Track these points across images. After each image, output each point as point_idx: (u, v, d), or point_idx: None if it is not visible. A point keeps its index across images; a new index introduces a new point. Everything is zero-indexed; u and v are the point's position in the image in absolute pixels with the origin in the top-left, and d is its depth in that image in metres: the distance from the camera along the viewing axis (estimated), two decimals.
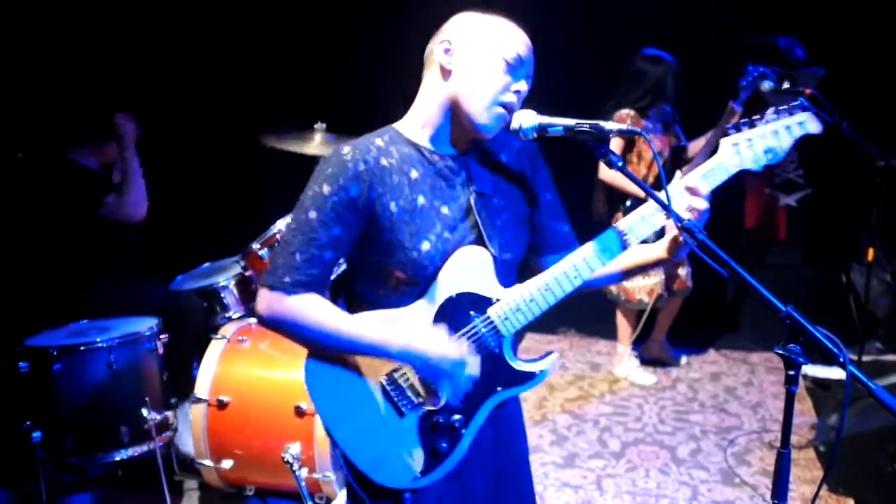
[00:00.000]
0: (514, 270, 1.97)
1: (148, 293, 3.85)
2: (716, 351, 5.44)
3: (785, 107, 1.82)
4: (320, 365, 1.86)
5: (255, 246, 3.64)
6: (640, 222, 1.84)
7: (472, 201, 1.88)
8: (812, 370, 4.75)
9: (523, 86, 1.84)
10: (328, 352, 1.84)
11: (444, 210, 1.85)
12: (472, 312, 1.85)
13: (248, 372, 3.25)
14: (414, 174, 1.84)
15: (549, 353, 1.94)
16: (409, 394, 1.85)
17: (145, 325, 3.35)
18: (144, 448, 3.24)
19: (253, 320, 3.60)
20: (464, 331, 1.85)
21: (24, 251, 3.70)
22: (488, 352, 1.87)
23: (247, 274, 3.77)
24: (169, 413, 3.37)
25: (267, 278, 1.80)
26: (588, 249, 1.85)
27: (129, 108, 3.78)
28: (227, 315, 3.79)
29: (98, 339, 3.18)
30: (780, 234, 6.07)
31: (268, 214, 3.73)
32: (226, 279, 3.84)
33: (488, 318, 1.86)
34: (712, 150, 4.44)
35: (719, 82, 4.60)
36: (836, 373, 4.58)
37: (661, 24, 5.27)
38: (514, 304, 1.85)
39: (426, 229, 1.81)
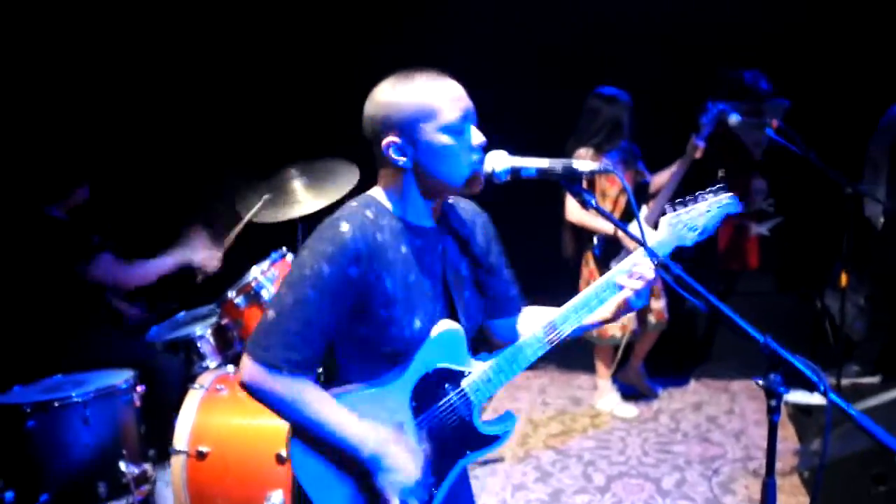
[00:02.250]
0: (472, 338, 2.02)
1: (123, 345, 3.80)
2: (696, 380, 5.45)
3: (712, 189, 2.06)
4: (306, 448, 1.86)
5: (231, 294, 3.62)
6: (593, 296, 1.94)
7: (448, 276, 1.93)
8: (793, 396, 4.75)
9: (479, 136, 1.83)
10: (305, 434, 1.84)
11: (428, 286, 1.88)
12: (447, 385, 1.91)
13: (226, 421, 3.21)
14: (404, 249, 1.85)
15: (507, 413, 2.02)
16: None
17: (121, 377, 3.31)
18: (123, 503, 3.18)
19: (231, 368, 3.57)
20: (438, 405, 1.91)
21: None
22: (460, 420, 1.93)
23: (223, 322, 3.75)
24: (147, 466, 3.32)
25: (257, 351, 1.78)
26: (549, 319, 1.95)
27: (97, 162, 3.79)
28: (203, 364, 3.75)
29: (73, 394, 3.14)
30: (753, 263, 6.12)
31: (243, 261, 3.72)
32: (202, 328, 3.81)
33: (462, 390, 1.92)
34: (676, 187, 4.52)
35: (685, 115, 4.66)
36: (817, 398, 4.57)
37: (628, 57, 5.35)
38: (485, 375, 1.93)
39: (416, 307, 1.84)
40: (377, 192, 1.90)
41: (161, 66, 5.57)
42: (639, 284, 1.89)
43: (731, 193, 2.06)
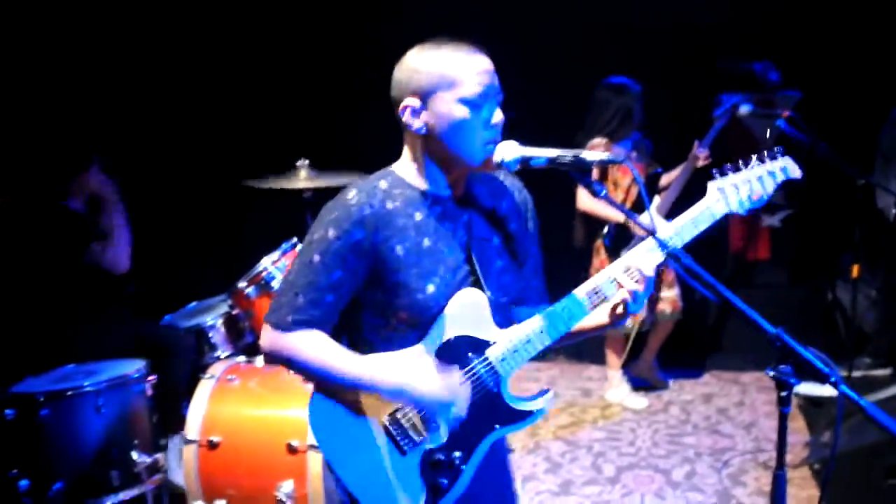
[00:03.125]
0: (509, 312, 2.00)
1: (135, 335, 3.82)
2: (707, 372, 5.44)
3: (768, 153, 1.91)
4: (323, 405, 1.91)
5: (242, 284, 3.63)
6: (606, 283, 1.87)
7: (471, 244, 1.91)
8: (803, 388, 4.74)
9: (499, 115, 1.83)
10: (326, 385, 1.89)
11: (447, 252, 1.87)
12: (470, 354, 1.89)
13: (238, 411, 3.22)
14: (418, 216, 1.85)
15: (545, 391, 1.97)
16: (411, 433, 1.89)
17: (133, 367, 3.32)
18: (135, 492, 3.21)
19: (241, 358, 3.59)
20: (464, 371, 1.88)
21: (8, 295, 3.67)
22: (487, 391, 1.90)
23: (234, 313, 3.76)
24: (159, 455, 3.34)
25: (270, 316, 1.87)
26: (580, 290, 1.90)
27: (108, 148, 3.79)
28: (215, 354, 3.77)
29: (86, 384, 3.15)
30: (765, 255, 6.10)
31: (254, 252, 3.73)
32: (213, 318, 3.82)
33: (486, 359, 1.89)
34: (681, 189, 4.52)
35: (696, 108, 4.65)
36: (828, 389, 4.56)
37: (637, 50, 5.33)
38: (512, 345, 1.89)
39: (431, 272, 1.84)
40: (397, 165, 1.92)
41: (171, 57, 5.57)
42: (636, 286, 1.81)
43: (788, 158, 1.94)
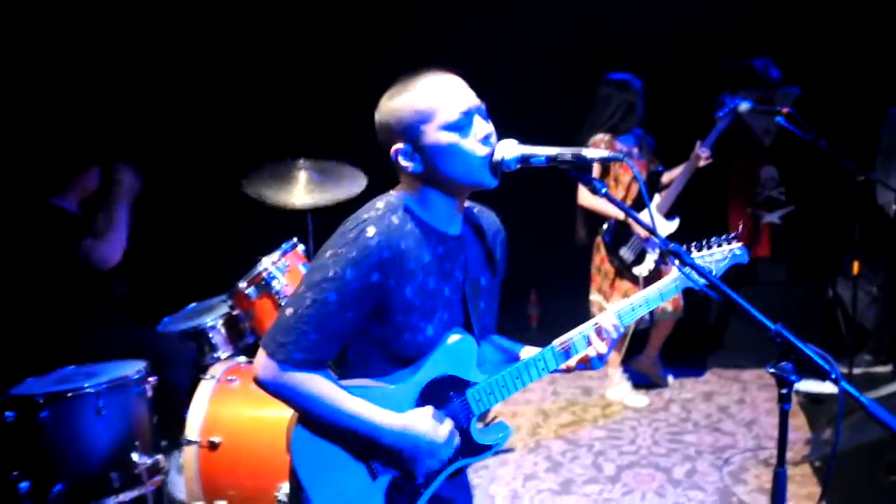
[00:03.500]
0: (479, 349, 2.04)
1: (135, 336, 3.82)
2: (707, 370, 5.44)
3: (727, 237, 2.15)
4: (310, 436, 1.88)
5: (242, 285, 3.62)
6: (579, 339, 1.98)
7: (466, 285, 1.95)
8: (804, 385, 4.74)
9: (488, 127, 1.84)
10: (322, 427, 1.86)
11: (446, 293, 1.91)
12: (451, 393, 1.94)
13: (238, 411, 3.22)
14: (426, 258, 1.85)
15: (501, 424, 2.07)
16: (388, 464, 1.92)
17: (133, 368, 3.31)
18: (135, 493, 3.19)
19: (242, 359, 3.58)
20: (441, 411, 1.92)
21: (4, 296, 3.66)
22: (458, 427, 1.95)
23: (234, 313, 3.75)
24: (160, 457, 3.33)
25: (271, 347, 1.80)
26: (556, 343, 1.99)
27: (108, 149, 3.79)
28: (215, 355, 3.76)
29: (86, 385, 3.14)
30: (765, 252, 6.10)
31: (254, 252, 3.72)
32: (213, 319, 3.81)
33: (465, 399, 1.95)
34: (682, 187, 4.52)
35: (698, 106, 4.64)
36: (828, 387, 4.58)
37: (639, 48, 5.33)
38: (489, 388, 1.96)
39: (432, 314, 1.87)
40: (403, 194, 1.90)
41: (170, 56, 5.57)
42: (602, 348, 1.95)
43: (741, 244, 2.17)
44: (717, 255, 2.12)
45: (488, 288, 2.04)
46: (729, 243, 2.15)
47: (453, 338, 1.92)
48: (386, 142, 1.85)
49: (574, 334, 1.99)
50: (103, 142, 4.03)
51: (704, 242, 2.13)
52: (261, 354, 1.82)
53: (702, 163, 4.51)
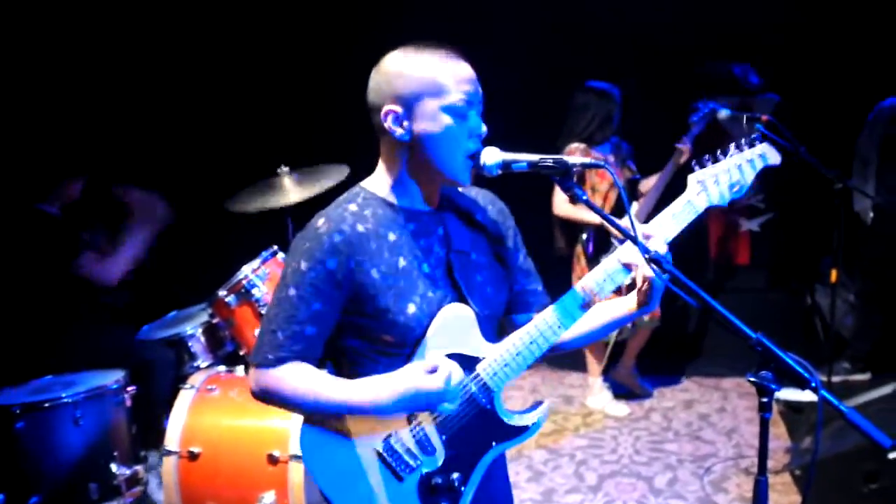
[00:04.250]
0: (494, 326, 1.96)
1: (114, 345, 3.78)
2: (687, 378, 5.45)
3: (745, 140, 1.89)
4: (315, 437, 1.85)
5: (222, 293, 3.60)
6: (603, 280, 1.84)
7: (451, 258, 1.86)
8: (784, 393, 4.73)
9: (482, 127, 1.80)
10: (322, 416, 1.83)
11: (425, 269, 1.83)
12: (465, 372, 1.83)
13: (218, 421, 3.20)
14: (392, 237, 1.80)
15: (538, 404, 1.94)
16: (406, 457, 1.83)
17: (112, 378, 3.29)
18: None
19: (222, 368, 3.56)
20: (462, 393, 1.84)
21: None
22: (480, 408, 1.86)
23: (214, 322, 3.73)
24: (139, 467, 3.31)
25: (253, 357, 1.83)
26: (567, 299, 1.85)
27: (93, 158, 3.78)
28: (195, 364, 3.74)
29: (63, 395, 3.12)
30: (744, 259, 6.14)
31: (234, 260, 3.70)
32: (193, 327, 3.79)
33: (477, 375, 1.84)
34: (662, 189, 4.52)
35: (675, 111, 4.66)
36: (808, 395, 4.58)
37: (618, 53, 5.36)
38: (502, 359, 1.84)
39: (410, 292, 1.79)
40: (368, 181, 1.88)
41: (158, 63, 5.55)
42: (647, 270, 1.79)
43: (766, 144, 1.91)
44: (739, 160, 1.89)
45: (483, 261, 1.93)
46: (752, 146, 1.90)
47: (446, 311, 1.81)
48: (378, 102, 1.77)
49: (588, 280, 1.85)
50: (88, 149, 4.01)
51: (721, 152, 1.89)
52: (249, 369, 1.85)
53: (684, 158, 4.48)
